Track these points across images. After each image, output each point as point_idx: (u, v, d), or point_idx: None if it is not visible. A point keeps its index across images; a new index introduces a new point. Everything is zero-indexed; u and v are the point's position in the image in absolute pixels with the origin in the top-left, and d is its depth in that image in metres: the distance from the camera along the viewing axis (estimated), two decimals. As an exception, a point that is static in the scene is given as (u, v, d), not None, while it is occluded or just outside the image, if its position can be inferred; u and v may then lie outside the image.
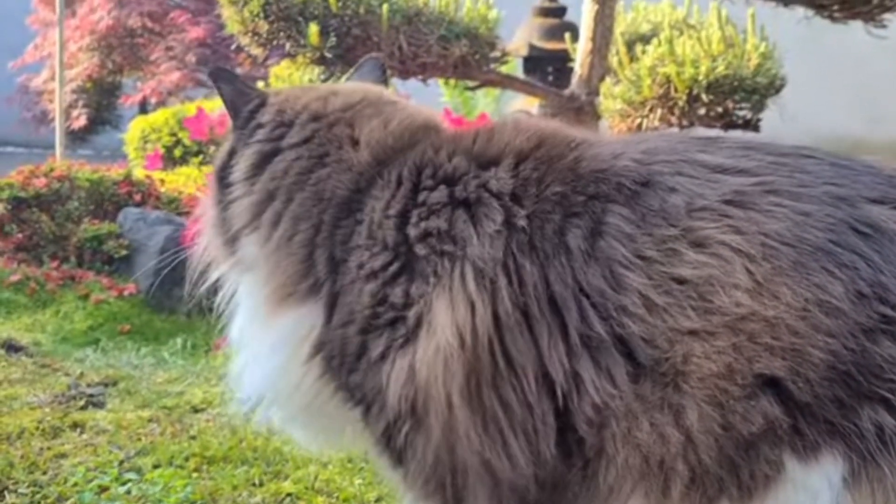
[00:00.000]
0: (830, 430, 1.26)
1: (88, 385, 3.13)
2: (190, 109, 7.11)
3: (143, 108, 12.22)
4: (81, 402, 2.90)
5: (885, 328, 1.26)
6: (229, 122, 1.70)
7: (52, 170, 5.19)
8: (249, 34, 5.48)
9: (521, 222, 1.41)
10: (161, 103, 11.67)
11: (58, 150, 8.53)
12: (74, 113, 12.72)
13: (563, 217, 1.40)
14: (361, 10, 5.32)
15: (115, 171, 5.36)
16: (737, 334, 1.28)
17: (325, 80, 6.33)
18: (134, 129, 8.62)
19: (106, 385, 3.15)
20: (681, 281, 1.32)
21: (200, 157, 6.26)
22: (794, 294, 1.27)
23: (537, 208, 1.42)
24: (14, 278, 4.73)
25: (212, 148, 5.84)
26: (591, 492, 1.36)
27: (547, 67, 6.98)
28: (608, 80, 5.39)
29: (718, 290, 1.29)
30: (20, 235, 5.05)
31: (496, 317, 1.38)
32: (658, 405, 1.30)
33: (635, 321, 1.32)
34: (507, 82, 6.14)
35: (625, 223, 1.36)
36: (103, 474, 2.29)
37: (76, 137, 12.79)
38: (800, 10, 5.33)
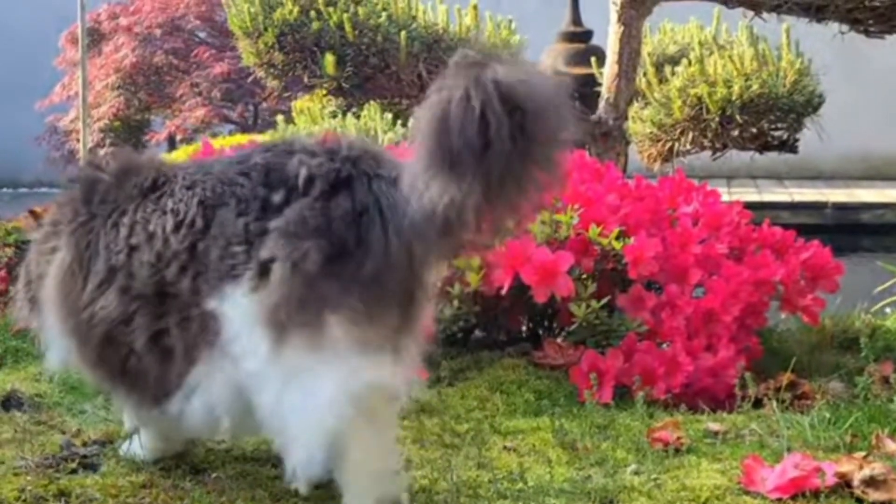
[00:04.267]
0: None
1: (84, 444, 2.91)
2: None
3: (172, 146, 12.15)
4: (73, 465, 2.67)
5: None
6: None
7: (61, 212, 5.03)
8: (265, 66, 5.35)
9: None
10: (187, 140, 11.60)
11: (81, 189, 8.41)
12: (101, 152, 12.69)
13: None
14: (379, 38, 5.16)
15: (127, 212, 5.19)
16: None
17: (345, 112, 6.17)
18: (156, 167, 8.48)
19: (103, 444, 2.93)
20: None
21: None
22: None
23: None
24: (22, 325, 4.56)
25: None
26: None
27: (573, 93, 6.76)
28: (636, 103, 5.17)
29: None
30: (31, 281, 4.89)
31: None
32: None
33: None
34: (531, 108, 5.93)
35: None
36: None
37: (106, 176, 12.74)
38: (834, 26, 5.09)
